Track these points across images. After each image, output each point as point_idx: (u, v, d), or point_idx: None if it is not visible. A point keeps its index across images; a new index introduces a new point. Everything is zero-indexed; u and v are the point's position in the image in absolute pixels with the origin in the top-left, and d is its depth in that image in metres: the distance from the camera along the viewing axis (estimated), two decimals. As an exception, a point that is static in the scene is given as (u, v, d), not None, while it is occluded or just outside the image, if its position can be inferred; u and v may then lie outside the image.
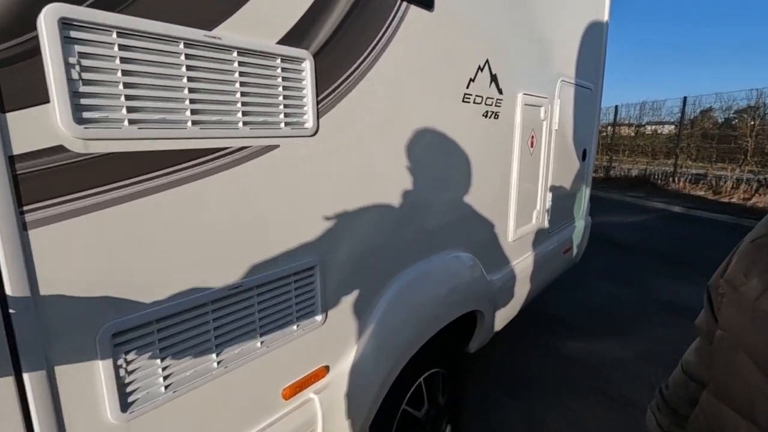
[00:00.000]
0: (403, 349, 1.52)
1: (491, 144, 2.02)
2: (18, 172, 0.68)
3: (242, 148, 0.98)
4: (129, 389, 0.86)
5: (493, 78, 1.92)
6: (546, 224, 2.83)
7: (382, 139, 1.38)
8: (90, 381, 0.80)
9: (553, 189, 2.81)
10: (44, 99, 0.69)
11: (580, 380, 2.82)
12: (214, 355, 0.99)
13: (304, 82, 1.09)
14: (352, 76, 1.22)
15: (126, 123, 0.79)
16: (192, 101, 0.87)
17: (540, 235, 2.76)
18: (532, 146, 2.42)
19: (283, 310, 1.14)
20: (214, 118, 0.92)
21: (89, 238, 0.76)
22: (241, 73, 0.95)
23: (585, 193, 3.47)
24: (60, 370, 0.76)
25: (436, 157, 1.65)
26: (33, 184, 0.69)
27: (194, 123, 0.88)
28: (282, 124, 1.06)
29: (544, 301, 3.89)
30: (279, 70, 1.03)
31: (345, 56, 1.19)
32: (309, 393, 1.26)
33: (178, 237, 0.89)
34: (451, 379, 2.03)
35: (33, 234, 0.70)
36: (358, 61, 1.24)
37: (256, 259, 1.05)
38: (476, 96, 1.81)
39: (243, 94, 0.96)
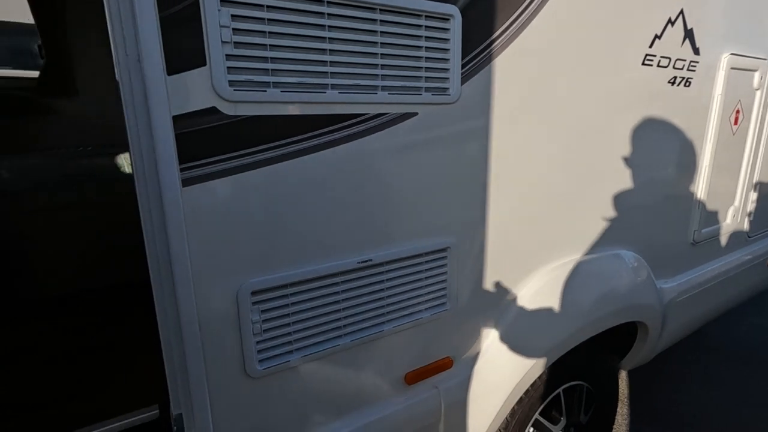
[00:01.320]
0: (540, 354, 1.32)
1: (677, 119, 1.61)
2: (178, 131, 0.73)
3: (379, 114, 0.92)
4: (264, 347, 0.89)
5: (688, 34, 1.51)
6: (746, 226, 2.20)
7: (535, 110, 1.18)
8: (231, 335, 0.85)
9: (761, 183, 2.16)
10: (201, 62, 0.73)
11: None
12: (342, 327, 0.98)
13: (449, 43, 0.97)
14: (504, 35, 1.06)
15: (271, 86, 0.79)
16: (332, 63, 0.84)
17: (736, 240, 2.16)
18: (735, 124, 1.88)
19: (411, 291, 1.07)
20: (353, 82, 0.87)
21: (233, 199, 0.80)
22: (383, 33, 0.88)
23: (812, 189, 2.60)
24: (205, 323, 0.82)
25: (601, 134, 1.38)
26: (189, 144, 0.74)
27: (333, 87, 0.85)
28: (423, 90, 0.97)
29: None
30: (423, 29, 0.93)
31: (497, 11, 1.03)
32: (433, 382, 1.18)
33: (313, 205, 0.89)
34: (596, 396, 1.74)
35: (186, 191, 0.75)
36: (513, 17, 1.06)
37: (387, 234, 1.00)
38: (662, 57, 1.45)
39: (384, 56, 0.90)
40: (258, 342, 0.88)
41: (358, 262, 0.97)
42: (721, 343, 2.92)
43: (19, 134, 2.40)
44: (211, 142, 0.76)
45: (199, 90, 0.73)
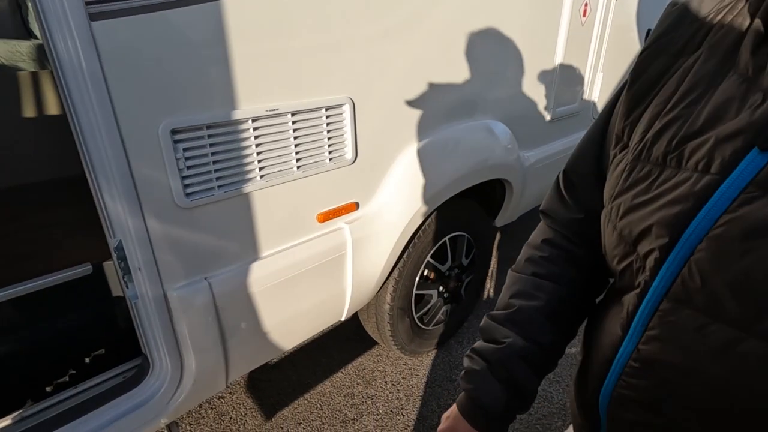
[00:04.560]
0: (426, 199, 1.63)
1: (537, 10, 1.90)
2: (80, -36, 0.78)
3: (273, -30, 1.03)
4: (190, 182, 1.03)
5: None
6: (591, 108, 2.71)
7: (415, -19, 1.35)
8: (158, 168, 0.98)
9: (604, 70, 2.63)
10: None
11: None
12: (257, 169, 1.15)
13: None
14: None
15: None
16: None
17: (584, 119, 2.67)
18: (584, 16, 2.24)
19: (315, 141, 1.26)
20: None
21: (150, 38, 0.88)
22: None
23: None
24: (133, 157, 0.94)
25: (481, 18, 1.60)
26: (93, -22, 0.80)
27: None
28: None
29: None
30: None
31: None
32: (340, 222, 1.43)
33: (221, 50, 0.99)
34: (475, 245, 2.18)
35: (96, 26, 0.82)
36: None
37: (291, 87, 1.15)
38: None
39: None
40: (184, 177, 1.02)
41: (267, 110, 1.12)
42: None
43: None
44: (115, -23, 0.82)
45: None
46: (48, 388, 1.16)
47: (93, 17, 0.81)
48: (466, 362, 0.62)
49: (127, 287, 1.05)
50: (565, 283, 0.59)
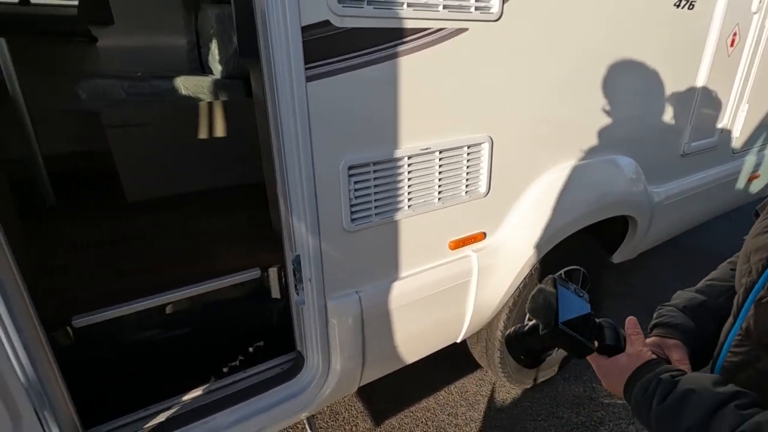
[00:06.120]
0: (549, 234, 1.66)
1: (678, 40, 1.84)
2: (304, 38, 0.99)
3: (440, 29, 1.17)
4: (355, 209, 1.21)
5: (696, -42, 1.69)
6: (732, 144, 2.49)
7: (559, 28, 1.42)
8: (335, 197, 1.16)
9: (750, 105, 2.40)
10: (319, -16, 0.97)
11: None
12: (406, 199, 1.30)
13: (494, -33, 1.20)
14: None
15: (365, 4, 1.04)
16: (409, -15, 1.08)
17: (722, 155, 2.46)
18: (732, 46, 2.10)
19: (456, 175, 1.38)
20: (422, 1, 1.11)
21: (342, 91, 1.07)
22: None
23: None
24: (320, 188, 1.13)
25: (612, 53, 1.61)
26: (312, 48, 1.00)
27: (408, 5, 1.09)
28: (472, 8, 1.21)
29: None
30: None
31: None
32: (469, 250, 1.53)
33: (392, 101, 1.16)
34: (590, 280, 2.13)
35: (310, 85, 1.03)
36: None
37: (441, 128, 1.29)
38: (670, -18, 1.65)
39: (445, -21, 1.13)
40: (352, 205, 1.20)
41: (421, 149, 1.26)
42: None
43: (70, 60, 2.60)
44: (326, 47, 1.02)
45: (318, 6, 0.98)
46: (224, 369, 1.42)
47: (308, 79, 1.02)
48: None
49: (297, 293, 1.25)
50: None
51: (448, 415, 2.07)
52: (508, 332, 0.81)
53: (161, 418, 1.20)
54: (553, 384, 2.24)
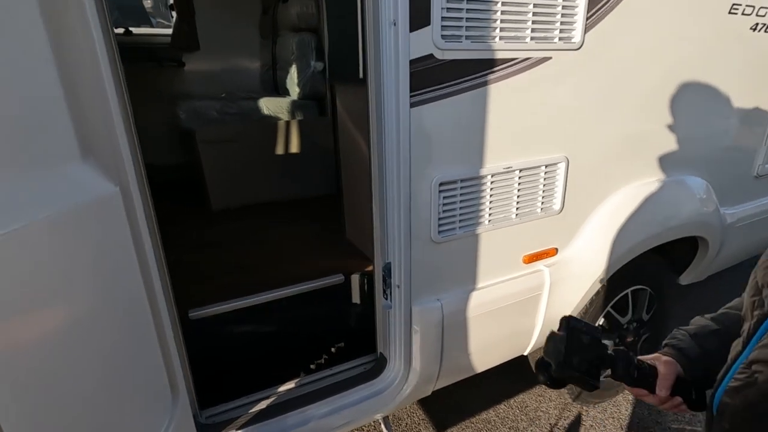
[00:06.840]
0: (619, 252, 1.69)
1: (753, 62, 1.84)
2: (411, 70, 1.12)
3: (527, 58, 1.27)
4: (442, 222, 1.32)
5: (774, -16, 1.71)
6: (810, 166, 2.40)
7: (638, 54, 1.48)
8: (425, 213, 1.28)
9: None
10: (427, 23, 1.10)
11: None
12: (487, 214, 1.39)
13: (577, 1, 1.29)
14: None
15: (464, 38, 1.16)
16: (502, 21, 1.19)
17: (798, 176, 2.37)
18: (811, 67, 2.05)
19: (534, 193, 1.46)
20: (513, 34, 1.22)
21: (438, 115, 1.19)
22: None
23: None
24: (414, 203, 1.25)
25: (687, 74, 1.65)
26: (416, 78, 1.13)
27: (500, 38, 1.21)
28: (556, 39, 1.30)
29: None
30: (562, -8, 1.25)
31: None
32: (541, 265, 1.59)
33: (481, 123, 1.27)
34: (657, 301, 2.11)
35: (413, 111, 1.15)
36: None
37: (522, 148, 1.38)
38: (746, 6, 1.67)
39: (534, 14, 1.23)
40: (440, 219, 1.31)
41: (503, 168, 1.36)
42: None
43: (162, 83, 2.90)
44: (429, 77, 1.15)
45: (424, 42, 1.11)
46: (311, 366, 1.54)
47: (412, 105, 1.15)
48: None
49: (385, 298, 1.37)
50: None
51: (509, 428, 2.09)
52: (537, 359, 0.85)
53: (262, 405, 1.33)
54: (617, 405, 2.21)
